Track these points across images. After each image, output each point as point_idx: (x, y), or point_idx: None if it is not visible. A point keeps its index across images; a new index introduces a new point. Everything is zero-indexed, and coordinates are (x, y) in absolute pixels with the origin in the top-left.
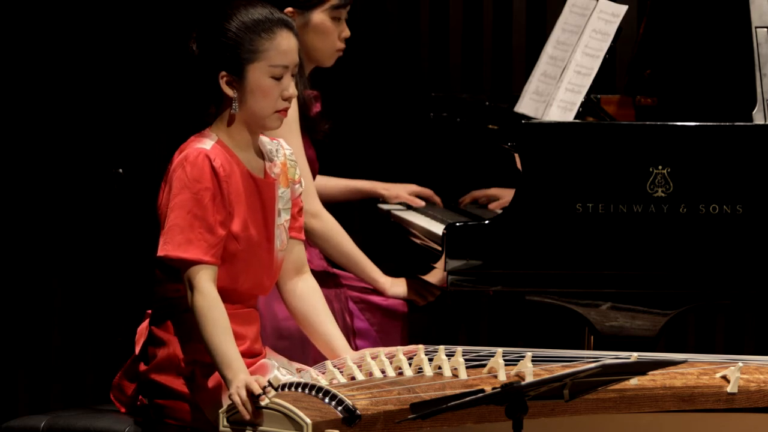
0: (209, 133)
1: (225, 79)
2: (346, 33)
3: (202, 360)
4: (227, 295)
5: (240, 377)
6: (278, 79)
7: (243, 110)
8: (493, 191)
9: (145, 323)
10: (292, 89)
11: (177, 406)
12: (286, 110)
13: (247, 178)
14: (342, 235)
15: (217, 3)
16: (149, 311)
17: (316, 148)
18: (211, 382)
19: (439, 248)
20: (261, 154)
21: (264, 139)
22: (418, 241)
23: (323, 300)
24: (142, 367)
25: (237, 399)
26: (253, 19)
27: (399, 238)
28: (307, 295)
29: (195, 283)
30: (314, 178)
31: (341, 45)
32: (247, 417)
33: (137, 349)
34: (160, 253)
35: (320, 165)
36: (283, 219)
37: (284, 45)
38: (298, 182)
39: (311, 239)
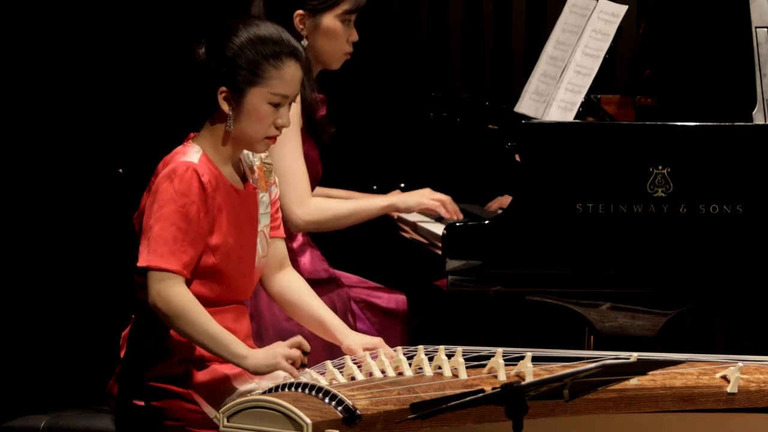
0: (194, 144)
1: (224, 94)
2: (355, 37)
3: (193, 357)
4: (207, 302)
5: (275, 350)
6: (276, 106)
7: (235, 128)
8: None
9: (129, 328)
10: (286, 119)
11: (174, 406)
12: (275, 138)
13: (231, 191)
14: (335, 202)
15: (230, 13)
16: (134, 316)
17: (319, 150)
18: (207, 378)
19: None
20: (239, 163)
21: None
22: (407, 236)
23: (309, 288)
24: (135, 373)
25: (288, 366)
26: (264, 42)
27: (391, 234)
28: (292, 283)
29: (169, 286)
30: (318, 179)
31: (349, 48)
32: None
33: (122, 353)
34: (143, 263)
35: (321, 165)
36: (263, 224)
37: (289, 76)
38: (273, 183)
39: (310, 228)
